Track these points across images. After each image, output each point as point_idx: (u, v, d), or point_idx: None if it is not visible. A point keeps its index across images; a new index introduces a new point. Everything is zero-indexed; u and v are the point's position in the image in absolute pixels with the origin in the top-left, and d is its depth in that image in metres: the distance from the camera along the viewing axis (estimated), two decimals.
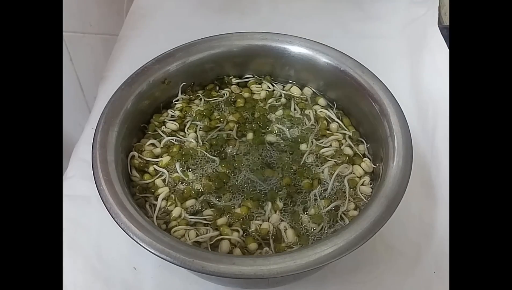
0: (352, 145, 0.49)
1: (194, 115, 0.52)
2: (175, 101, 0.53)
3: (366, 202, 0.45)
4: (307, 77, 0.54)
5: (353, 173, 0.47)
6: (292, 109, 0.53)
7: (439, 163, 0.56)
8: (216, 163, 0.47)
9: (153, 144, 0.50)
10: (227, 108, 0.53)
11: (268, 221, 0.43)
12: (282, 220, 0.44)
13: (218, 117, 0.52)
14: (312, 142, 0.49)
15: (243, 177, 0.46)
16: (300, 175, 0.46)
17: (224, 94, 0.54)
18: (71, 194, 0.52)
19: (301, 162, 0.47)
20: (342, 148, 0.49)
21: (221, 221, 0.43)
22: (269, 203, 0.44)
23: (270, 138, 0.49)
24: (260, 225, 0.43)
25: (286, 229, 0.43)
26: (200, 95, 0.54)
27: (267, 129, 0.51)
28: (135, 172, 0.47)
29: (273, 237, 0.43)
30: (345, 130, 0.51)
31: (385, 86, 0.48)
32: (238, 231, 0.43)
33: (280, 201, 0.45)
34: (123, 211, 0.38)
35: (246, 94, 0.55)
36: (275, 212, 0.44)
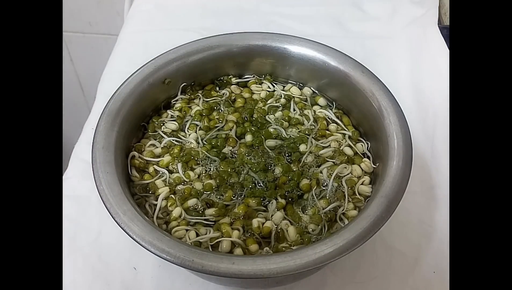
0: (352, 145, 0.49)
1: (194, 115, 0.52)
2: (173, 101, 0.53)
3: (365, 203, 0.45)
4: (307, 77, 0.54)
5: (351, 174, 0.47)
6: (291, 109, 0.53)
7: (439, 163, 0.56)
8: (217, 163, 0.47)
9: (153, 145, 0.50)
10: (226, 108, 0.53)
11: (271, 219, 0.43)
12: (285, 218, 0.44)
13: (218, 117, 0.52)
14: (311, 142, 0.49)
15: (244, 175, 0.46)
16: (298, 175, 0.46)
17: (224, 94, 0.54)
18: (71, 194, 0.53)
19: (301, 163, 0.47)
20: (341, 148, 0.49)
21: (222, 220, 0.43)
22: (274, 201, 0.44)
23: (270, 142, 0.49)
24: (263, 223, 0.43)
25: (288, 227, 0.43)
26: (200, 95, 0.54)
27: (266, 127, 0.51)
28: (135, 172, 0.47)
29: (276, 236, 0.43)
30: (345, 130, 0.51)
31: (385, 86, 0.48)
32: (238, 230, 0.42)
33: (281, 199, 0.45)
34: (123, 211, 0.38)
35: (246, 94, 0.55)
36: (278, 210, 0.44)
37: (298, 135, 0.50)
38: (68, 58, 1.04)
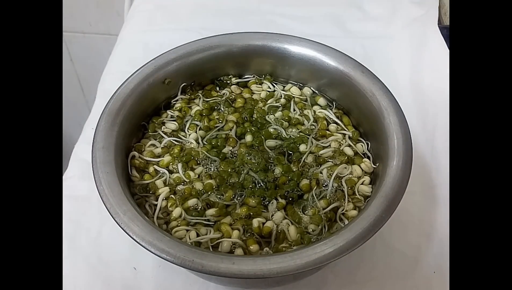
0: (352, 145, 0.49)
1: (194, 115, 0.52)
2: (173, 101, 0.53)
3: (365, 203, 0.45)
4: (307, 77, 0.54)
5: (351, 174, 0.47)
6: (291, 109, 0.53)
7: (439, 163, 0.56)
8: (217, 163, 0.47)
9: (153, 145, 0.50)
10: (226, 108, 0.53)
11: (271, 219, 0.43)
12: (285, 218, 0.44)
13: (218, 117, 0.52)
14: (311, 142, 0.49)
15: (244, 175, 0.46)
16: (298, 175, 0.46)
17: (224, 94, 0.54)
18: (71, 194, 0.53)
19: (301, 163, 0.47)
20: (341, 148, 0.49)
21: (223, 220, 0.43)
22: (274, 201, 0.44)
23: (270, 143, 0.49)
24: (263, 223, 0.43)
25: (289, 226, 0.43)
26: (200, 95, 0.54)
27: (266, 127, 0.51)
28: (135, 172, 0.47)
29: (276, 236, 0.43)
30: (345, 130, 0.51)
31: (385, 86, 0.48)
32: (238, 230, 0.42)
33: (281, 199, 0.45)
34: (123, 211, 0.38)
35: (246, 94, 0.55)
36: (279, 210, 0.44)
37: (298, 135, 0.50)
38: (68, 58, 1.04)
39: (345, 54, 0.51)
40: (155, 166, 0.48)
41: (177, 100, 0.53)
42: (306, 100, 0.54)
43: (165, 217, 0.44)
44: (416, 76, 0.66)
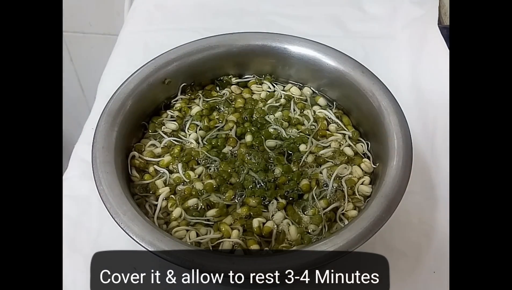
0: (352, 145, 0.49)
1: (194, 115, 0.52)
2: (173, 101, 0.53)
3: (365, 203, 0.45)
4: (307, 77, 0.54)
5: (351, 174, 0.47)
6: (291, 110, 0.53)
7: (439, 163, 0.56)
8: (217, 163, 0.47)
9: (153, 145, 0.50)
10: (226, 108, 0.53)
11: (271, 219, 0.43)
12: (286, 218, 0.44)
13: (218, 117, 0.52)
14: (311, 142, 0.49)
15: (245, 175, 0.46)
16: (298, 176, 0.46)
17: (224, 94, 0.54)
18: (71, 194, 0.52)
19: (300, 163, 0.47)
20: (341, 148, 0.49)
21: (223, 220, 0.43)
22: (274, 201, 0.44)
23: (270, 143, 0.49)
24: (264, 223, 0.43)
25: (289, 226, 0.43)
26: (200, 95, 0.54)
27: (266, 127, 0.51)
28: (135, 172, 0.47)
29: (276, 236, 0.43)
30: (345, 130, 0.51)
31: (385, 86, 0.48)
32: (238, 229, 0.42)
33: (281, 199, 0.45)
34: (123, 211, 0.38)
35: (246, 95, 0.55)
36: (279, 210, 0.44)
37: (298, 135, 0.50)
38: (68, 58, 1.04)
39: (345, 54, 0.51)
40: (155, 166, 0.48)
41: (177, 100, 0.53)
42: (306, 100, 0.54)
43: (165, 217, 0.44)
44: (416, 76, 0.66)
